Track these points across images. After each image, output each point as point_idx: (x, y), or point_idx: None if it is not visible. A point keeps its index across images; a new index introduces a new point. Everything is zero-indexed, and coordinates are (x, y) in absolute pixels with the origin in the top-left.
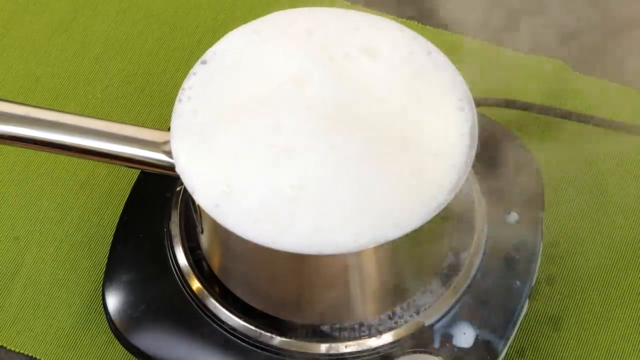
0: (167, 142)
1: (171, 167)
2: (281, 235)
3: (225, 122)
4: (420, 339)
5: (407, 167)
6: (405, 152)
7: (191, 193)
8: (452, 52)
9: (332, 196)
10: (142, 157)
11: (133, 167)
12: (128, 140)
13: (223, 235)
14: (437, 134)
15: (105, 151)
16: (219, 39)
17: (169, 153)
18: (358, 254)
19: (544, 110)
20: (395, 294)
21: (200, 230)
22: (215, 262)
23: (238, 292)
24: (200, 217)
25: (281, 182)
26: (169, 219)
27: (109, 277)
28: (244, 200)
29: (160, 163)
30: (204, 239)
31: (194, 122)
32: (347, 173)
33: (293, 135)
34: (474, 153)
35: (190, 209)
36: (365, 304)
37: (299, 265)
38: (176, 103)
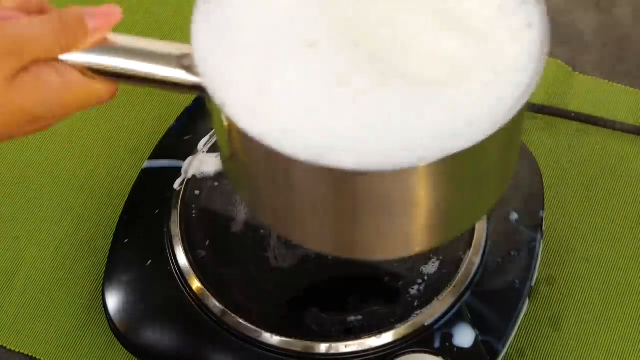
0: (186, 56)
1: (192, 85)
2: (328, 150)
3: (252, 29)
4: (420, 339)
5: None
6: (465, 71)
7: (221, 106)
8: None
9: (381, 108)
10: (156, 75)
11: (148, 86)
12: (140, 55)
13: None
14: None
15: (110, 69)
16: None
17: (188, 68)
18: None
19: (544, 110)
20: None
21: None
22: (244, 192)
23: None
24: (230, 139)
25: (322, 91)
26: (169, 218)
27: (109, 276)
28: (282, 112)
29: (179, 81)
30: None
31: (218, 31)
32: (395, 91)
33: (330, 50)
34: (546, 52)
35: (189, 209)
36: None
37: (340, 186)
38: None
